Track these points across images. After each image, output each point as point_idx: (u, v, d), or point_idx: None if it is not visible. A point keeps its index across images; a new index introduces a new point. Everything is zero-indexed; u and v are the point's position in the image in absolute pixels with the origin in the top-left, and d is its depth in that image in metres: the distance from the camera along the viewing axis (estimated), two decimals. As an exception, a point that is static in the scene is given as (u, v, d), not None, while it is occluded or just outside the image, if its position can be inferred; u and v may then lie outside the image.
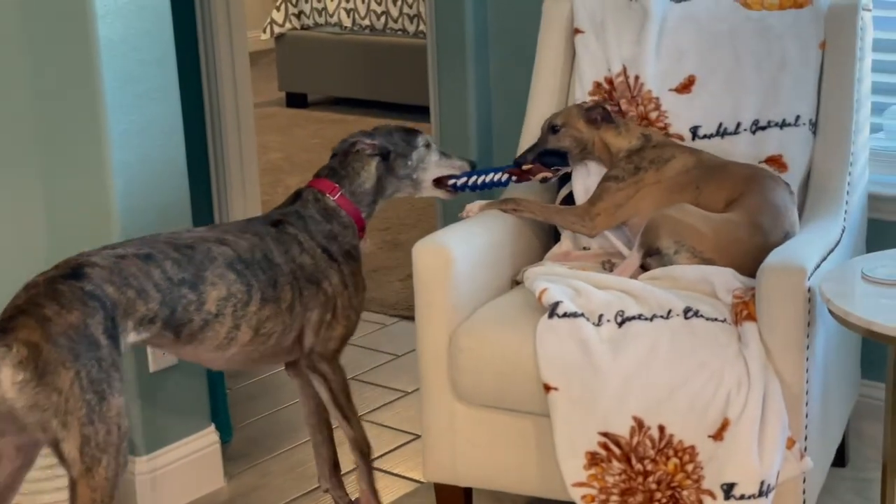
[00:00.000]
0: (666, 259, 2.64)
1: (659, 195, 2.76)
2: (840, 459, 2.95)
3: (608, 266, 2.80)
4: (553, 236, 3.00)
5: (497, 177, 2.83)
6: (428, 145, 2.79)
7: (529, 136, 3.02)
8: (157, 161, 2.88)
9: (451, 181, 2.80)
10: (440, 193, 2.83)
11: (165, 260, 2.39)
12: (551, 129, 2.86)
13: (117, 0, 2.72)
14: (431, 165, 2.80)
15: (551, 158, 2.83)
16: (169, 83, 2.88)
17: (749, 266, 2.54)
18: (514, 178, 2.85)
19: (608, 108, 2.86)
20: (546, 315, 2.51)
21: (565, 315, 2.50)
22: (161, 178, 2.89)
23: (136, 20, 2.77)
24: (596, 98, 2.96)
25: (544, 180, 2.86)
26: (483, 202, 2.87)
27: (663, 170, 2.78)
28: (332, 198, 2.69)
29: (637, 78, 2.96)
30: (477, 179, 2.81)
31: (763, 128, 2.87)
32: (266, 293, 2.51)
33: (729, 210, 2.68)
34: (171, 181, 2.92)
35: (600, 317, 2.50)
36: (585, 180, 2.90)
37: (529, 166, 2.83)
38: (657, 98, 2.94)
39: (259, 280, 2.50)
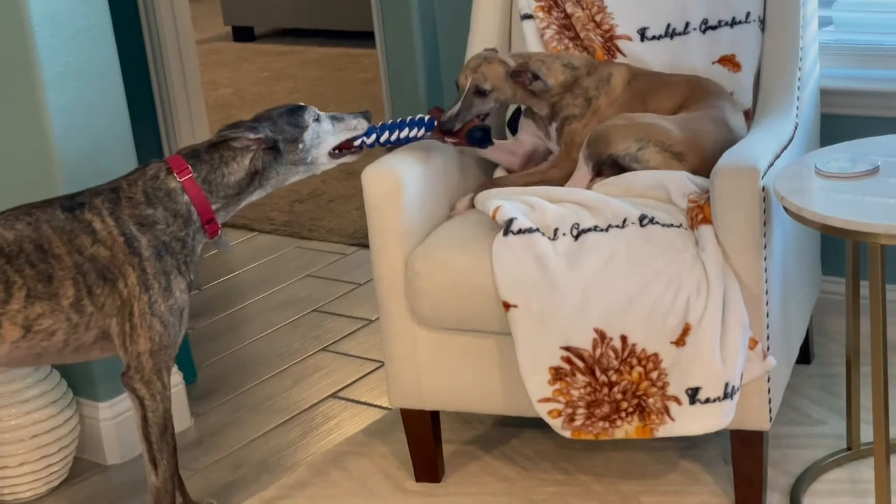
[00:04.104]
0: (628, 159, 2.59)
1: (615, 114, 2.70)
2: (805, 356, 2.96)
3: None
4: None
5: (412, 133, 2.61)
6: (318, 119, 2.50)
7: (473, 53, 2.96)
8: (96, 103, 2.80)
9: (358, 142, 2.55)
10: (343, 159, 2.54)
11: None
12: (478, 92, 2.66)
13: (38, -64, 2.63)
14: (327, 137, 2.51)
15: (479, 136, 2.66)
16: (101, 21, 2.79)
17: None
18: (433, 136, 2.64)
19: (534, 70, 2.68)
20: (501, 232, 2.48)
21: (520, 231, 2.46)
22: (101, 119, 2.82)
23: (61, -44, 2.69)
24: (515, 56, 2.76)
25: (456, 145, 2.69)
26: (468, 198, 2.71)
27: (610, 90, 2.73)
28: (177, 179, 2.39)
29: (579, -17, 2.90)
30: (389, 136, 2.60)
31: (713, 27, 2.83)
32: (35, 289, 2.29)
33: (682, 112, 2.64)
34: (113, 122, 2.84)
35: (556, 231, 2.47)
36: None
37: (454, 139, 2.64)
38: (601, 1, 2.89)
39: (24, 275, 2.28)
